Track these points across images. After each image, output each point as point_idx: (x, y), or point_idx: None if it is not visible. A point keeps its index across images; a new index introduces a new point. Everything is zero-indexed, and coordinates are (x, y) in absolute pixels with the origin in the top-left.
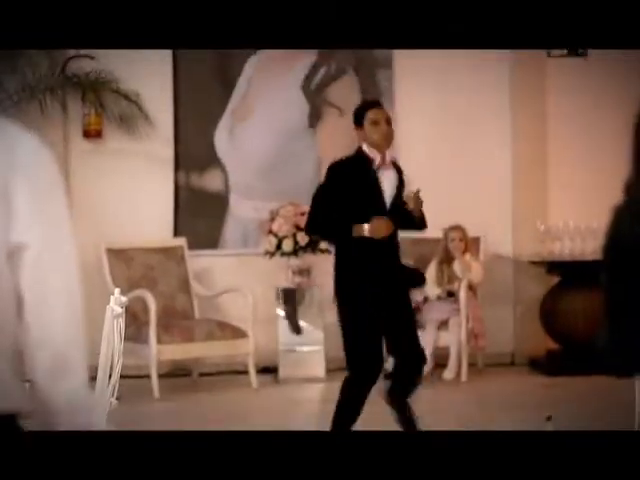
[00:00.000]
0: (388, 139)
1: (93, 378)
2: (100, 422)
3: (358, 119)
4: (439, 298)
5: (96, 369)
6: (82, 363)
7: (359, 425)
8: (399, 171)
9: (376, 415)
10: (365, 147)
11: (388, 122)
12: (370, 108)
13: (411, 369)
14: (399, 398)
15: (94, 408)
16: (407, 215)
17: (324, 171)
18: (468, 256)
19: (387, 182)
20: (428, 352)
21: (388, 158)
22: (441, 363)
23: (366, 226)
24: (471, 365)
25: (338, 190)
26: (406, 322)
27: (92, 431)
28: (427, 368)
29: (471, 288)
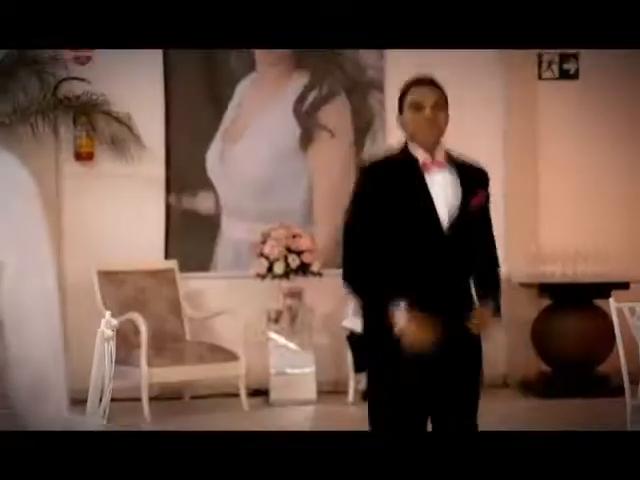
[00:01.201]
0: (432, 129)
1: (84, 401)
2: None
3: (400, 104)
4: None
5: (87, 392)
6: (61, 383)
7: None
8: (462, 172)
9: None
10: (409, 143)
11: (437, 106)
12: (412, 86)
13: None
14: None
15: (76, 428)
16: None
17: (316, 193)
18: None
19: (439, 190)
20: None
21: (439, 156)
22: None
23: (397, 327)
24: None
25: (370, 210)
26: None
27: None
28: None
29: None
